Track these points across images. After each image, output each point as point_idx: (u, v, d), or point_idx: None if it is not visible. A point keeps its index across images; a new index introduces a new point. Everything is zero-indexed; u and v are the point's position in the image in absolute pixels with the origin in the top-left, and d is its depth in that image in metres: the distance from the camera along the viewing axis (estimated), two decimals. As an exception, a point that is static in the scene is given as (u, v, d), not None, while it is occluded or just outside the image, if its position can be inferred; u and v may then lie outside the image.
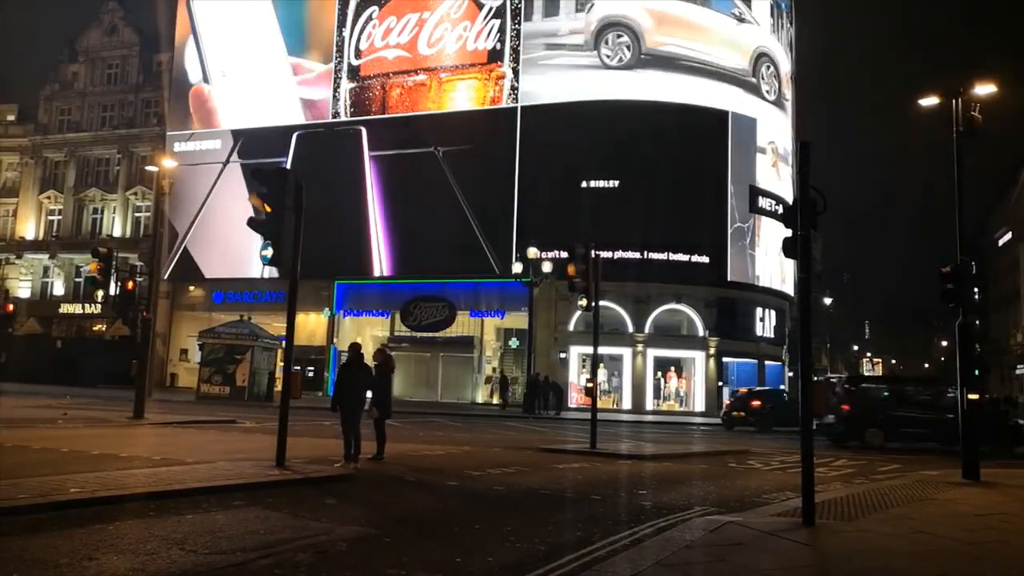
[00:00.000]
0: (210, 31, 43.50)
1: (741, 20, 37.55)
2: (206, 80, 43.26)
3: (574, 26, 36.59)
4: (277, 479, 9.83)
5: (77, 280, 47.03)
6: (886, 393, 21.19)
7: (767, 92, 38.34)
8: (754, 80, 37.61)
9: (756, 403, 26.86)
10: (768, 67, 38.48)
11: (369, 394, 12.60)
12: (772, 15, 39.37)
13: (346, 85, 40.26)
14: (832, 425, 20.78)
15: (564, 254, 20.91)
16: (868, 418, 20.14)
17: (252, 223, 10.96)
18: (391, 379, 13.24)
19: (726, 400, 36.13)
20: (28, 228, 48.81)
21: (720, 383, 35.53)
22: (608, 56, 35.82)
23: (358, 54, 40.23)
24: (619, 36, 35.75)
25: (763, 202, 9.15)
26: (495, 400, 35.92)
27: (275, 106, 41.45)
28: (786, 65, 40.65)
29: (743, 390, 29.50)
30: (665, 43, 35.83)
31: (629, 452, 16.63)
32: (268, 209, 10.83)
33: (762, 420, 26.09)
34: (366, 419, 12.38)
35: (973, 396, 12.58)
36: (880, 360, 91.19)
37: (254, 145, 40.81)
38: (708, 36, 36.42)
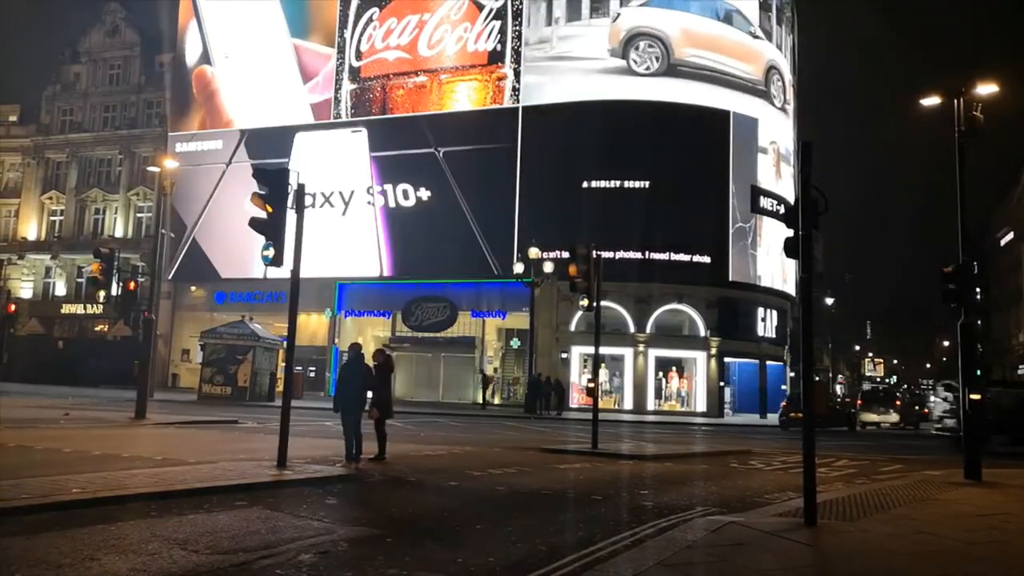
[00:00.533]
0: (213, 12, 43.65)
1: (755, 36, 38.28)
2: (209, 62, 43.35)
3: (596, 33, 36.71)
4: (279, 479, 9.84)
5: (79, 281, 47.05)
6: (1013, 398, 20.93)
7: (775, 98, 39.06)
8: (765, 89, 38.30)
9: None
10: (778, 79, 39.45)
11: (370, 394, 12.61)
12: (764, 12, 39.32)
13: (347, 86, 40.30)
14: (956, 430, 20.49)
15: (565, 254, 20.90)
16: (993, 423, 19.54)
17: (254, 223, 10.98)
18: (391, 379, 13.25)
19: (728, 399, 36.41)
20: (30, 229, 48.86)
21: (721, 383, 35.51)
22: (636, 62, 36.11)
23: (359, 55, 40.26)
24: (650, 46, 36.19)
25: (765, 202, 9.19)
26: (496, 400, 36.09)
27: (278, 89, 41.50)
28: (788, 68, 40.87)
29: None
30: (692, 55, 36.33)
31: (630, 452, 16.63)
32: (269, 209, 10.86)
33: (821, 421, 27.40)
34: (366, 419, 12.40)
35: (975, 396, 12.57)
36: (882, 360, 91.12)
37: (256, 145, 40.87)
38: (728, 49, 37.07)
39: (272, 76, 41.82)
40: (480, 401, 34.06)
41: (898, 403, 34.18)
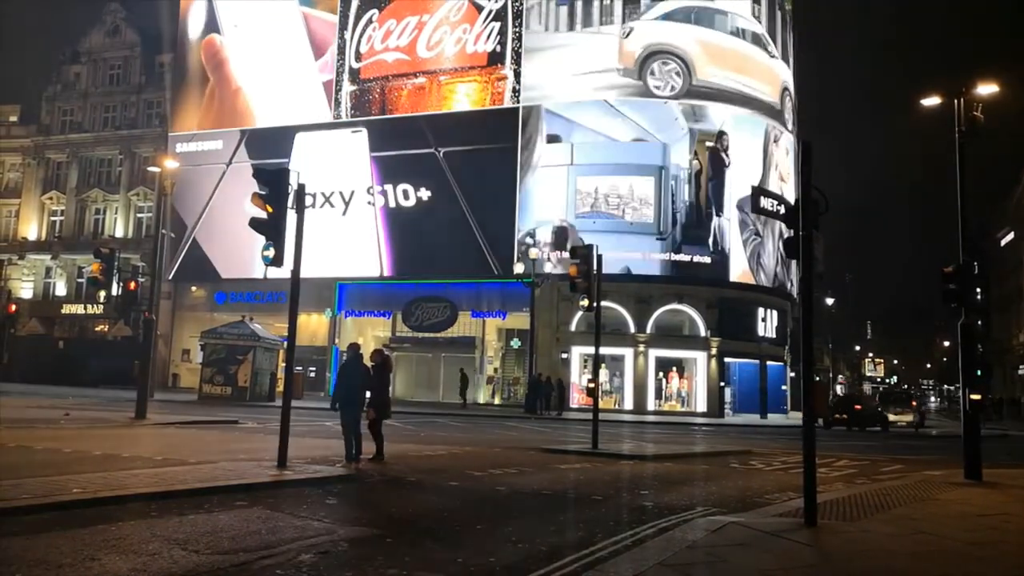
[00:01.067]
0: None
1: (772, 56, 38.07)
2: (217, 31, 43.35)
3: (606, 46, 35.88)
4: (279, 479, 9.85)
5: (79, 281, 47.07)
6: None
7: (787, 121, 38.99)
8: (780, 110, 38.20)
9: (858, 407, 32.11)
10: (789, 100, 39.27)
11: (368, 394, 12.61)
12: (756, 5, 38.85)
13: (347, 87, 40.30)
14: None
15: (566, 254, 20.91)
16: None
17: (254, 223, 10.99)
18: (388, 379, 13.25)
19: (728, 399, 36.41)
20: (30, 229, 48.88)
21: (722, 383, 35.49)
22: (658, 87, 35.08)
23: (358, 57, 40.25)
24: (665, 64, 34.97)
25: (765, 202, 9.13)
26: (483, 398, 36.18)
27: (288, 57, 41.49)
28: (788, 72, 40.50)
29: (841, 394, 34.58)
30: (715, 75, 35.37)
31: (631, 452, 16.63)
32: (269, 210, 10.87)
33: (861, 421, 30.58)
34: (363, 420, 12.39)
35: (975, 396, 12.56)
36: (882, 360, 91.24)
37: (256, 145, 40.89)
38: (748, 67, 36.60)
39: (282, 45, 41.71)
40: (463, 401, 33.78)
41: (914, 403, 37.55)
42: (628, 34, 35.78)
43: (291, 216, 10.98)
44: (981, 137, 13.54)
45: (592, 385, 21.91)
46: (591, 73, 35.98)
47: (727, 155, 35.77)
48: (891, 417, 33.48)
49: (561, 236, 34.60)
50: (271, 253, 10.79)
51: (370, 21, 40.11)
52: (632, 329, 34.86)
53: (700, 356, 35.43)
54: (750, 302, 37.10)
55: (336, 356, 37.54)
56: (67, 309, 47.38)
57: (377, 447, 12.57)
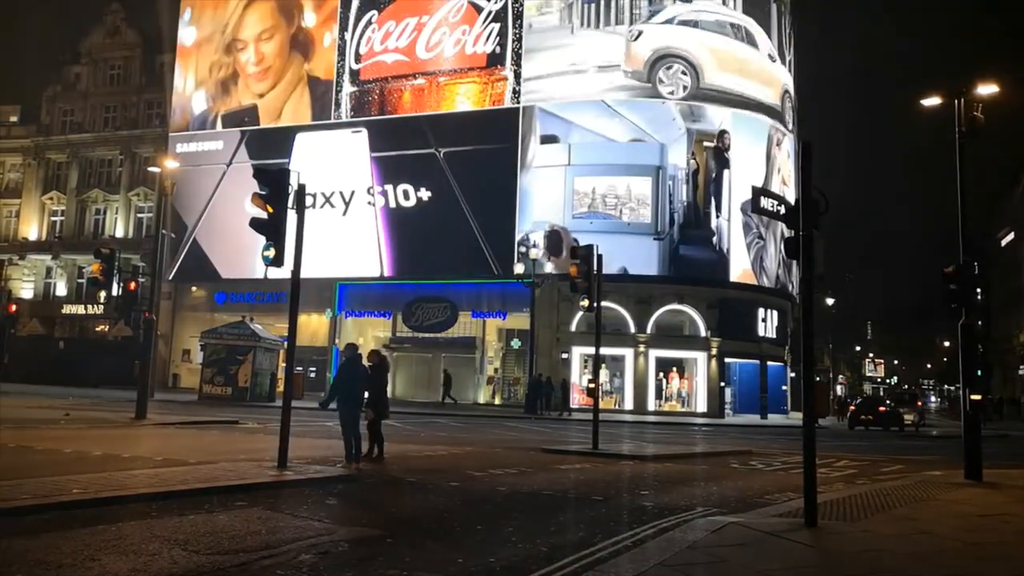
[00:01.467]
0: None
1: (773, 60, 38.04)
2: None
3: (611, 48, 35.79)
4: (279, 480, 9.85)
5: (80, 281, 47.07)
6: None
7: (788, 123, 38.98)
8: (780, 112, 38.19)
9: (883, 408, 34.14)
10: (789, 102, 39.27)
11: (367, 395, 12.61)
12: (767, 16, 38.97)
13: (347, 88, 40.32)
14: None
15: (560, 258, 20.92)
16: None
17: (255, 224, 10.99)
18: (386, 380, 13.26)
19: (728, 399, 36.44)
20: (31, 229, 48.88)
21: (722, 384, 35.49)
22: (667, 91, 35.13)
23: (358, 58, 40.26)
24: (669, 67, 34.98)
25: (765, 202, 9.13)
26: (483, 399, 36.17)
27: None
28: (788, 76, 40.43)
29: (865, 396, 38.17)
30: (721, 79, 35.42)
31: (631, 453, 16.62)
32: (270, 210, 10.87)
33: (884, 421, 32.13)
34: (362, 420, 12.39)
35: (975, 396, 12.55)
36: (882, 360, 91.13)
37: (256, 145, 40.90)
38: (751, 71, 36.62)
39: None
40: (450, 401, 33.71)
41: (919, 404, 39.83)
42: (637, 37, 35.76)
43: (291, 216, 10.99)
44: (981, 137, 13.52)
45: (592, 385, 21.91)
46: (594, 74, 35.94)
47: (728, 155, 35.77)
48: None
49: (555, 239, 34.63)
50: (271, 253, 10.80)
51: (369, 23, 40.12)
52: (632, 329, 34.84)
53: (700, 356, 35.42)
54: (750, 302, 37.08)
55: (336, 356, 37.54)
56: (67, 309, 47.38)
57: (378, 448, 12.58)
